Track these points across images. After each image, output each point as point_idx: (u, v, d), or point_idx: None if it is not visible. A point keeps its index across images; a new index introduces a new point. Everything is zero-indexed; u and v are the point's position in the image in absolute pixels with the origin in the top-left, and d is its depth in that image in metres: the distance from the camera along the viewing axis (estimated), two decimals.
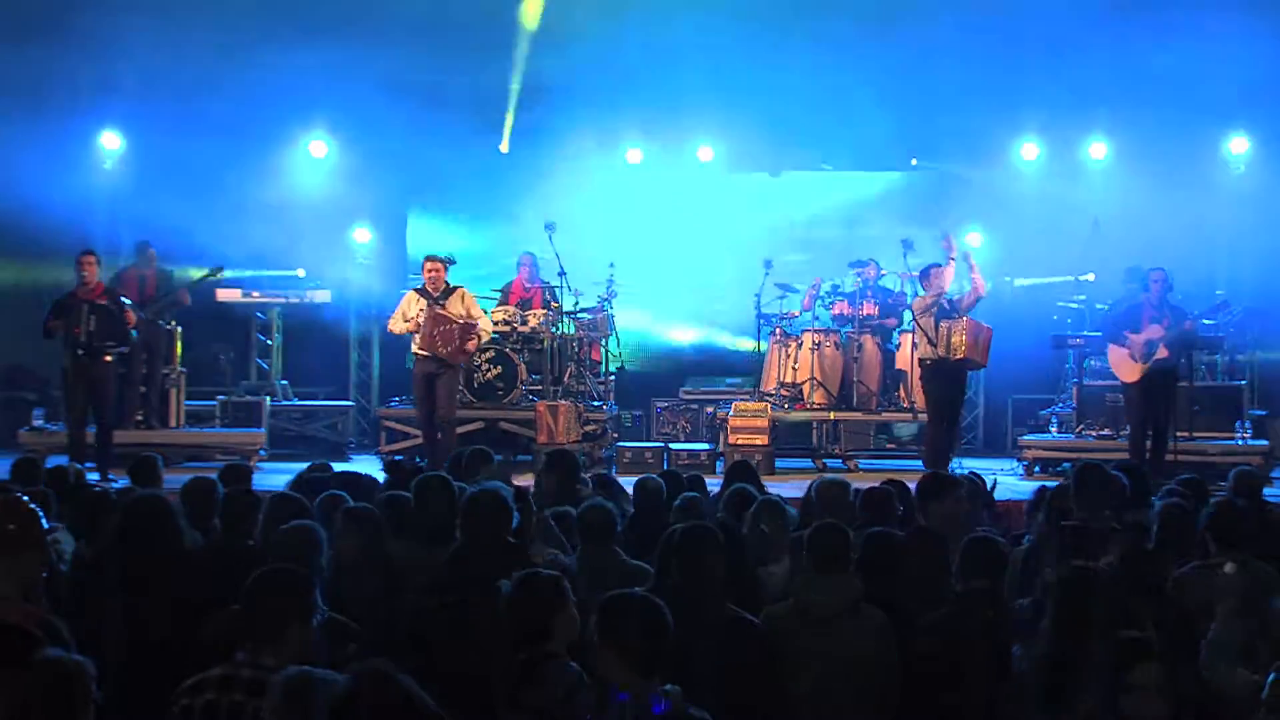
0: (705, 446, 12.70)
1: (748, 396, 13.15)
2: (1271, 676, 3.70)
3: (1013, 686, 4.60)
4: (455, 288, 11.23)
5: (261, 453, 12.65)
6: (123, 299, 11.29)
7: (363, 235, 15.28)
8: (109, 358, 10.98)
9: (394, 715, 3.11)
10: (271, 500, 6.03)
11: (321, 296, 14.25)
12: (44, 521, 5.58)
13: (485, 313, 11.77)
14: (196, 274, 13.22)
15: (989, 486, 7.52)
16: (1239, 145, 14.48)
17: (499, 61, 14.21)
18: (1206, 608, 4.95)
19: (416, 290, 11.22)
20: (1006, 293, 15.05)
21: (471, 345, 11.14)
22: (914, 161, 15.15)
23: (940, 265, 11.03)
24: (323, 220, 14.83)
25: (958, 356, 10.78)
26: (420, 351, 11.03)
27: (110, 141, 14.62)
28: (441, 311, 10.97)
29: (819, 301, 13.26)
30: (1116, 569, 5.16)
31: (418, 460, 10.68)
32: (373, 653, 4.38)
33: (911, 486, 6.69)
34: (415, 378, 11.22)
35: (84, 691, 3.31)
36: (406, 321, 11.11)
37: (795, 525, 6.29)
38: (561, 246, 13.06)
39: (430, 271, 11.13)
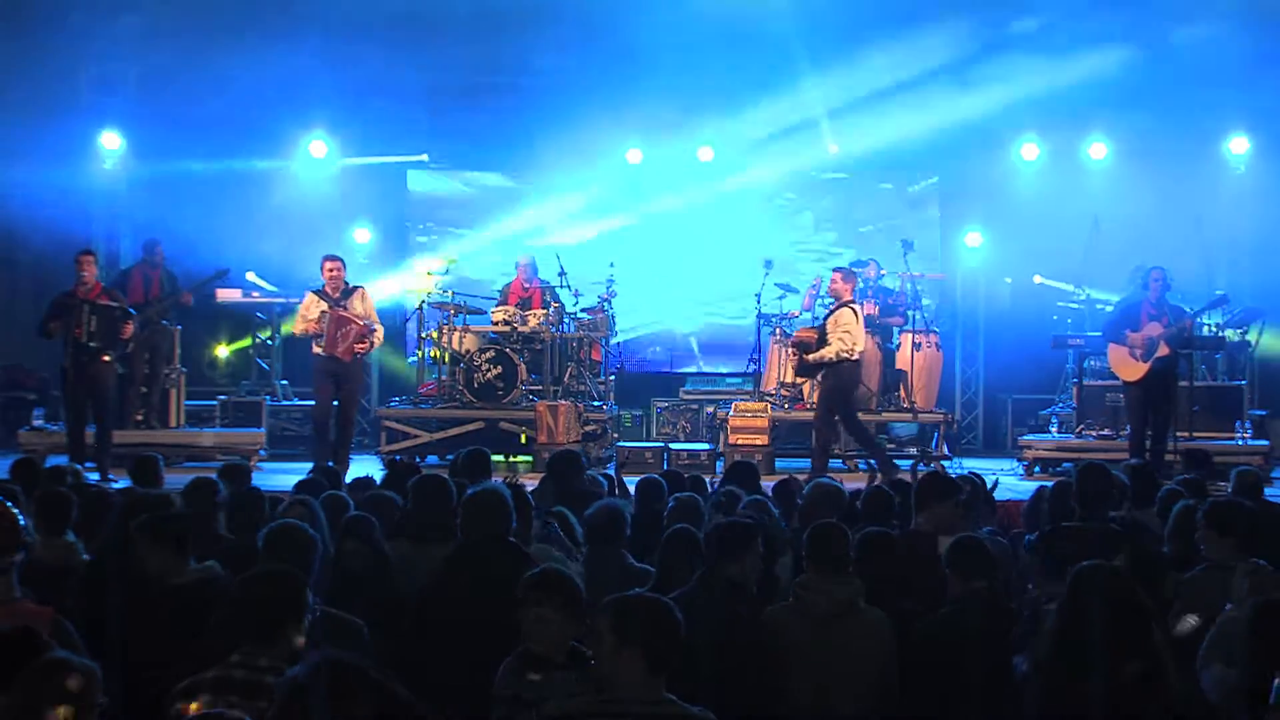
0: (705, 446, 12.68)
1: (748, 396, 13.13)
2: (1277, 682, 3.66)
3: (1012, 687, 4.59)
4: (355, 288, 11.20)
5: (261, 453, 12.64)
6: (130, 309, 11.21)
7: (363, 235, 15.26)
8: (108, 357, 10.95)
9: (357, 698, 3.02)
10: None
11: None
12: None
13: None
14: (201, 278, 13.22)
15: (990, 486, 7.51)
16: (1239, 145, 14.48)
17: (497, 60, 14.22)
18: (1215, 610, 4.90)
19: (315, 292, 11.20)
20: (1005, 293, 15.07)
21: (363, 346, 11.06)
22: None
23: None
24: (323, 220, 14.82)
25: None
26: (322, 353, 11.05)
27: (110, 141, 14.60)
28: (343, 313, 11.01)
29: (819, 301, 13.25)
30: (1119, 569, 5.14)
31: (417, 460, 10.70)
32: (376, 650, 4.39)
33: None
34: (318, 374, 11.18)
35: (90, 694, 3.29)
36: (306, 323, 11.12)
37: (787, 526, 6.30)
38: (561, 246, 13.05)
39: (330, 271, 11.13)
